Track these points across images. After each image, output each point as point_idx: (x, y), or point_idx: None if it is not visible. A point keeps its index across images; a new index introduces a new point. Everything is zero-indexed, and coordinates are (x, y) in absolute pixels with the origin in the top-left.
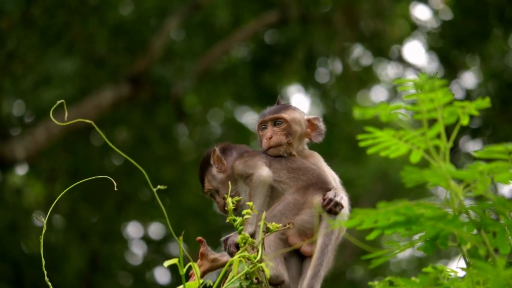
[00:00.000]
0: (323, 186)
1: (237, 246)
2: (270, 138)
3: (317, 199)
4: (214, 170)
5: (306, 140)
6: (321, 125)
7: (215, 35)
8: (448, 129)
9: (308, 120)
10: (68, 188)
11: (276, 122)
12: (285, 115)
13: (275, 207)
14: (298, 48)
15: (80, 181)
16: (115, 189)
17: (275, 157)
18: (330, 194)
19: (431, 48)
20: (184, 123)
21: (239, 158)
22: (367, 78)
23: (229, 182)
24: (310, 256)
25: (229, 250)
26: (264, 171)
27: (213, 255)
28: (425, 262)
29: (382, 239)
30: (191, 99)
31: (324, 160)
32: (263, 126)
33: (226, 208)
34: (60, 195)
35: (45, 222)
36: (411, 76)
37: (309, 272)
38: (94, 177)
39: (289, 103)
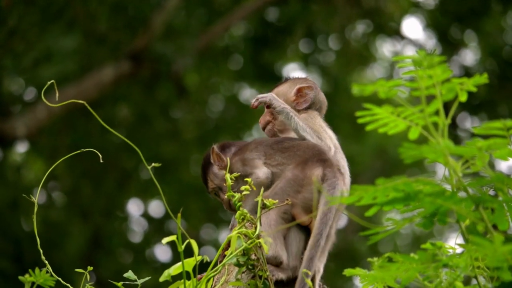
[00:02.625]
0: (321, 157)
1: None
2: (260, 122)
3: (315, 173)
4: (215, 168)
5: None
6: (310, 93)
7: (216, 12)
8: (447, 106)
9: (298, 89)
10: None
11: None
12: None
13: (276, 184)
14: (298, 25)
15: (69, 155)
16: (101, 161)
17: (270, 138)
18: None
19: (430, 25)
20: (185, 101)
21: (236, 154)
22: (367, 55)
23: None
24: None
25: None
26: (261, 172)
27: None
28: (421, 240)
29: (382, 216)
30: (192, 77)
31: (321, 118)
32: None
33: (231, 204)
34: (49, 170)
35: (36, 200)
36: (409, 53)
37: (309, 242)
38: (78, 151)
39: (293, 76)
